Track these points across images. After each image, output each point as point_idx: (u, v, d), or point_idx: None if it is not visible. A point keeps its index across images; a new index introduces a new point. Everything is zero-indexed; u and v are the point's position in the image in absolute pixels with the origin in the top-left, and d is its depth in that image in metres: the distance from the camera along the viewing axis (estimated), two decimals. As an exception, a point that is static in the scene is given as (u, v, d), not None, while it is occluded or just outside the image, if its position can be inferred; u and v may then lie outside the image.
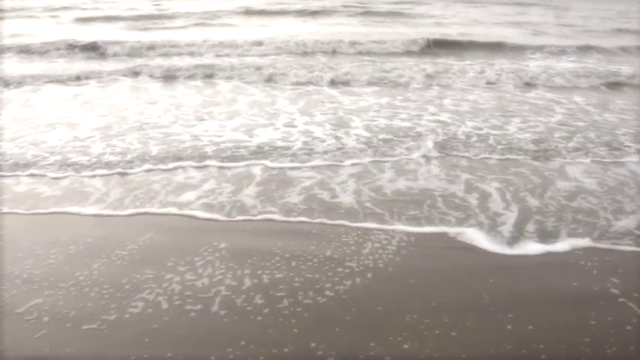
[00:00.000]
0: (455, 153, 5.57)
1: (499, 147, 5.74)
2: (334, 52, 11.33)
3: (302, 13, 17.54)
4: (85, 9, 18.28)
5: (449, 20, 16.66)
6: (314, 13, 17.47)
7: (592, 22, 17.30)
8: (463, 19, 17.19)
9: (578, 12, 19.98)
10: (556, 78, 9.19)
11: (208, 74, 9.18)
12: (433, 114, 7.01)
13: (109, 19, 15.94)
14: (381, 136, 6.03)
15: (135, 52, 10.95)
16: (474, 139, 6.02)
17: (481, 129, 6.36)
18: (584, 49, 11.84)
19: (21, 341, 2.76)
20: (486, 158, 5.45)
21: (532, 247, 3.74)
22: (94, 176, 4.87)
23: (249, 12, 17.33)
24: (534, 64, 10.45)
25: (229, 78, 9.01)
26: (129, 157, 5.30)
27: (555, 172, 5.11)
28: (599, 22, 17.08)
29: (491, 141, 5.93)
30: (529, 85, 8.88)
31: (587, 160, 5.44)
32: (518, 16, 18.14)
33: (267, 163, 5.21)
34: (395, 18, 16.72)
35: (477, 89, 8.53)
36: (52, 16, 16.49)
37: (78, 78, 8.91)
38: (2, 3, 17.82)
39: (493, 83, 8.87)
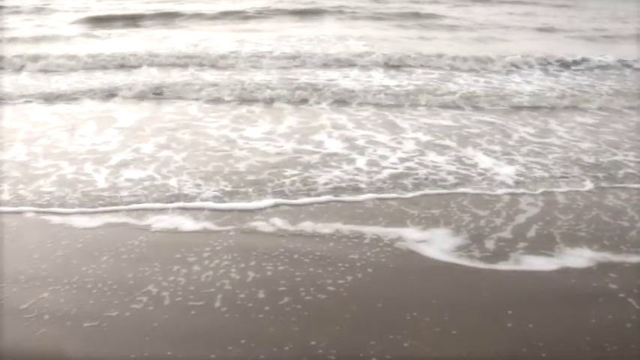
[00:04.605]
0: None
1: None
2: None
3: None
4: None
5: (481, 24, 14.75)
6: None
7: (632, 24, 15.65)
8: (498, 24, 14.87)
9: (602, 12, 17.95)
10: None
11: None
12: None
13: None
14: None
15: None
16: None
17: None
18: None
19: (21, 339, 2.79)
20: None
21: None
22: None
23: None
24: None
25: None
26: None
27: None
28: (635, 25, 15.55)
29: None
30: None
31: None
32: (550, 19, 16.03)
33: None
34: (431, 20, 14.96)
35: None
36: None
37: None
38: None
39: None
